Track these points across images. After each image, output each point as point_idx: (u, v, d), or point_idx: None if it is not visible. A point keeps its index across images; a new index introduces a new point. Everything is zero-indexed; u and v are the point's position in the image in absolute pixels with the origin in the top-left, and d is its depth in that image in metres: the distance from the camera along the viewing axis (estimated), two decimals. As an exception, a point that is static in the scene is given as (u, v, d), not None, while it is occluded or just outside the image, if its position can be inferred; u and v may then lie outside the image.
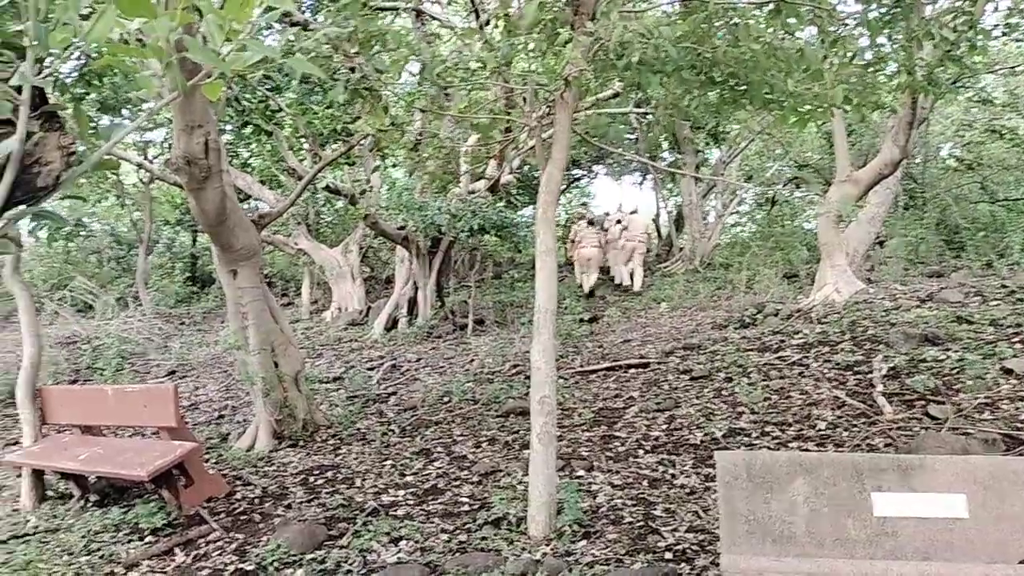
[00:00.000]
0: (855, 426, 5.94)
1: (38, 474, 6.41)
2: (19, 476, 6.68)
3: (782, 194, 19.51)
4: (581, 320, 12.29)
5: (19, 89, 1.74)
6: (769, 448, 5.75)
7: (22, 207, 1.93)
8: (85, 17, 1.84)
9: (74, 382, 10.80)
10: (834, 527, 3.23)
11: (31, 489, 6.38)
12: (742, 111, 5.50)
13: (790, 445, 5.77)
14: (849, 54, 4.88)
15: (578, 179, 23.64)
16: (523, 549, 4.44)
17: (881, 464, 3.28)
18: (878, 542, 3.18)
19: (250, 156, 13.24)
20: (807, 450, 5.58)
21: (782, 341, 8.54)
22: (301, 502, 5.65)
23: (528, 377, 5.00)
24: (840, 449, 5.52)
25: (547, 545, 4.47)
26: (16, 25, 2.12)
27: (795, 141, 17.76)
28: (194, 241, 20.55)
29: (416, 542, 4.68)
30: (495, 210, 12.82)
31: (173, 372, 11.51)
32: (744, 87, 4.72)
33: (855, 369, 7.16)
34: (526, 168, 15.81)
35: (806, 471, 3.31)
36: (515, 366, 9.53)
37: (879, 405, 6.23)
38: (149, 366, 11.85)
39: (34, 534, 5.68)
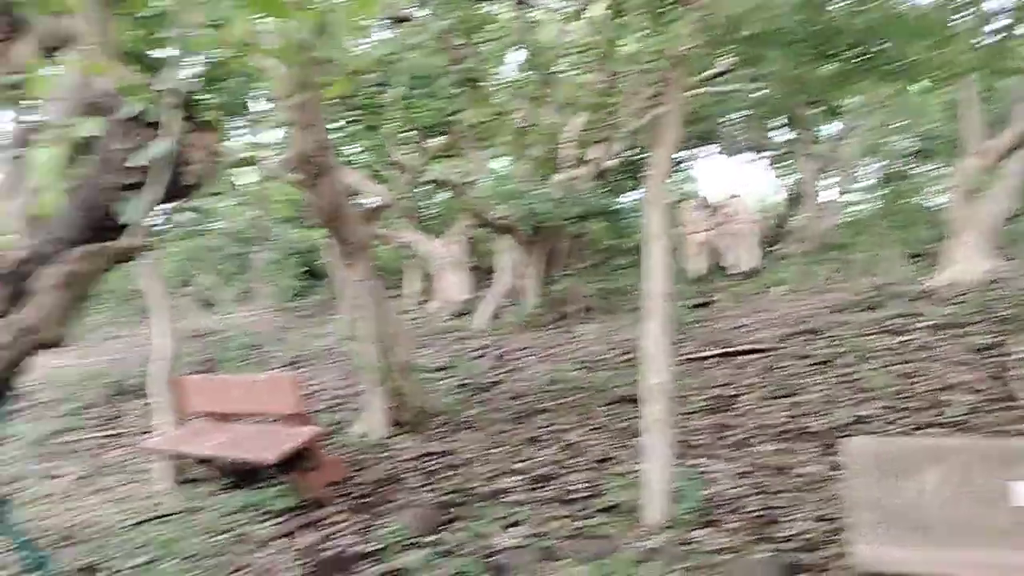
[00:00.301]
0: (990, 413, 5.65)
1: (175, 458, 6.86)
2: (158, 461, 7.17)
3: (905, 169, 18.61)
4: (691, 306, 12.12)
5: (164, 93, 1.88)
6: (899, 435, 5.55)
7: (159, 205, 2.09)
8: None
9: (200, 373, 11.44)
10: (970, 517, 3.11)
11: (169, 473, 6.84)
12: (864, 82, 5.30)
13: (920, 433, 5.55)
14: (980, 17, 4.63)
15: (683, 161, 23.22)
16: (638, 537, 4.45)
17: (1023, 451, 3.13)
18: (1018, 532, 3.04)
19: (359, 152, 13.63)
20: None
21: (908, 324, 8.20)
22: (417, 487, 5.85)
23: (637, 364, 4.99)
24: (975, 437, 5.27)
25: (663, 533, 4.46)
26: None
27: (920, 112, 16.86)
28: (306, 237, 21.33)
29: (531, 527, 4.77)
30: (598, 196, 12.78)
31: (291, 363, 12.03)
32: (866, 57, 4.55)
33: (989, 352, 6.81)
34: (631, 152, 15.65)
35: (939, 459, 3.19)
36: (624, 353, 9.50)
37: (1015, 390, 5.91)
38: (269, 357, 12.42)
39: (173, 515, 6.09)
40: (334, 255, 7.68)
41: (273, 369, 11.75)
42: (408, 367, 7.71)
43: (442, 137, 11.69)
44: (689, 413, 6.82)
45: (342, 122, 10.51)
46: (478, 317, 13.56)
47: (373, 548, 4.84)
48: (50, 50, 2.45)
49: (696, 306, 12.26)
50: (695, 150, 21.61)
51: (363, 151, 13.44)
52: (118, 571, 5.03)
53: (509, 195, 12.10)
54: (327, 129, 7.17)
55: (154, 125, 1.92)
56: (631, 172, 17.78)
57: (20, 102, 2.42)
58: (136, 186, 1.94)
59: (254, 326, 14.57)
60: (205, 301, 17.39)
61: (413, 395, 7.63)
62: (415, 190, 15.15)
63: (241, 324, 14.44)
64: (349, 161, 13.92)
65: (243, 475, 6.62)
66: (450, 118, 9.48)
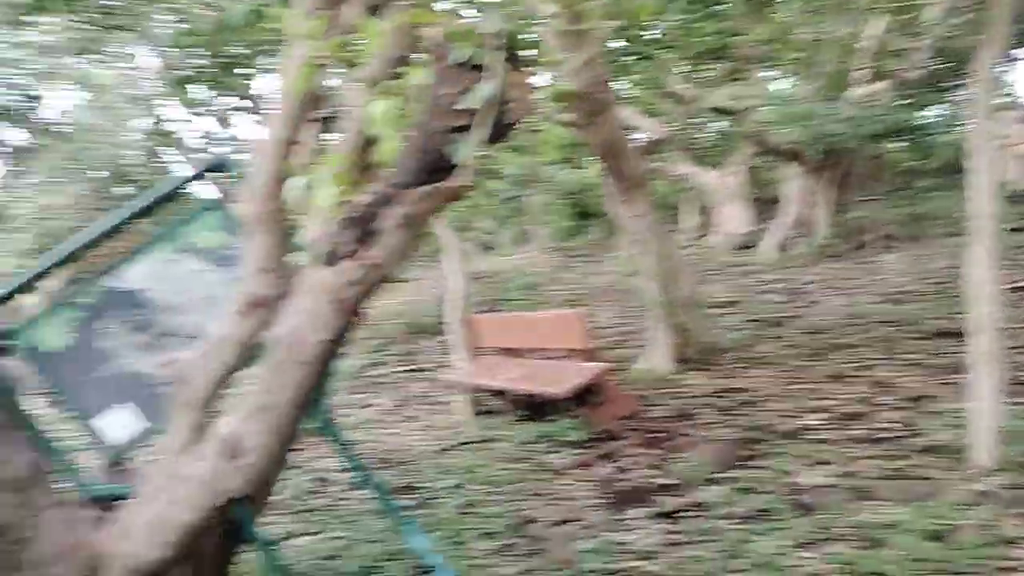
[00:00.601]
0: None
1: (472, 391, 7.48)
2: (457, 393, 7.86)
3: None
4: (1011, 229, 10.80)
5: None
6: None
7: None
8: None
9: (485, 312, 12.25)
10: None
11: (466, 404, 7.49)
12: None
13: None
14: None
15: (1001, 66, 20.40)
16: (964, 479, 4.16)
17: None
18: None
19: (632, 85, 13.58)
20: None
21: None
22: (710, 423, 5.89)
23: (955, 295, 4.58)
24: None
25: (993, 476, 4.13)
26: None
27: None
28: (577, 177, 21.79)
29: (839, 466, 4.64)
30: (898, 112, 11.71)
31: (570, 301, 12.47)
32: None
33: None
34: (935, 61, 14.11)
35: None
36: (937, 283, 8.75)
37: None
38: (547, 296, 12.97)
39: (474, 443, 6.68)
40: (611, 192, 7.80)
41: (553, 307, 12.25)
42: (692, 302, 7.70)
43: (720, 62, 11.30)
44: (1020, 347, 6.16)
45: (619, 55, 10.50)
46: (763, 250, 13.14)
47: (670, 481, 4.99)
48: (373, 9, 2.73)
49: (1016, 229, 10.92)
50: (1013, 52, 18.93)
51: (636, 84, 13.38)
52: (432, 491, 5.63)
53: (795, 117, 11.46)
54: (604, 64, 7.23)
55: (478, 68, 2.07)
56: (936, 83, 16.05)
57: (352, 61, 2.70)
58: (463, 128, 2.11)
59: (531, 267, 15.24)
60: (484, 244, 18.49)
61: (699, 331, 7.63)
62: (691, 120, 14.84)
63: (519, 265, 15.18)
64: (620, 96, 13.93)
65: (534, 408, 7.06)
66: (731, 39, 9.11)
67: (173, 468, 2.78)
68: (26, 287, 3.46)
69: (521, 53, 2.21)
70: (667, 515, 4.53)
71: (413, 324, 12.18)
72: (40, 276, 3.45)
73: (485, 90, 1.99)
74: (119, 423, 3.38)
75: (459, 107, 2.07)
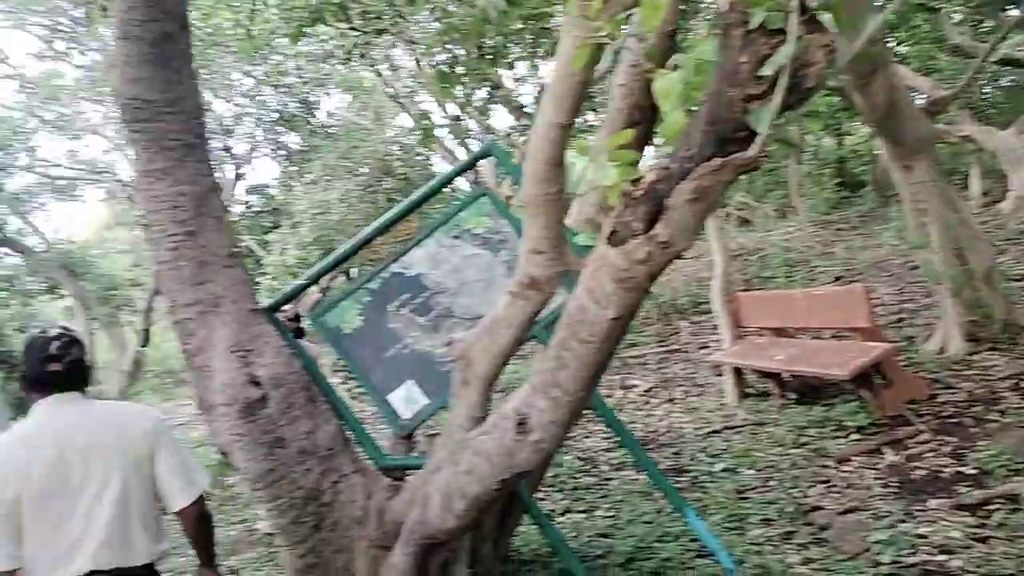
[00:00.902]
0: None
1: (738, 372, 7.30)
2: (720, 374, 7.71)
3: None
4: None
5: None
6: None
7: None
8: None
9: (746, 290, 11.87)
10: None
11: (734, 386, 7.32)
12: None
13: None
14: None
15: None
16: None
17: None
18: None
19: (899, 44, 12.52)
20: None
21: None
22: (1016, 408, 5.33)
23: None
24: None
25: None
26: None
27: None
28: (840, 145, 20.50)
29: None
30: None
31: (839, 277, 11.77)
32: None
33: None
34: None
35: None
36: None
37: None
38: (814, 272, 12.33)
39: (744, 426, 6.53)
40: (887, 159, 7.26)
41: (821, 284, 11.61)
42: (989, 275, 6.96)
43: (1010, 8, 10.08)
44: None
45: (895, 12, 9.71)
46: (1071, 215, 11.61)
47: (970, 471, 4.60)
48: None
49: None
50: None
51: (909, 43, 12.32)
52: (704, 475, 5.58)
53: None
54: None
55: (774, 32, 2.02)
56: None
57: (635, 37, 2.72)
58: (757, 96, 2.06)
59: (793, 242, 14.54)
60: (742, 219, 17.91)
61: (998, 306, 6.89)
62: (979, 75, 13.38)
63: (779, 240, 14.53)
64: (894, 53, 12.88)
65: (807, 390, 6.75)
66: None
67: (463, 441, 2.95)
68: (319, 277, 3.88)
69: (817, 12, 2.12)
70: (970, 507, 4.18)
71: (669, 304, 12.08)
72: (333, 267, 3.85)
73: (782, 55, 1.93)
74: (407, 399, 3.68)
75: (756, 74, 2.02)
